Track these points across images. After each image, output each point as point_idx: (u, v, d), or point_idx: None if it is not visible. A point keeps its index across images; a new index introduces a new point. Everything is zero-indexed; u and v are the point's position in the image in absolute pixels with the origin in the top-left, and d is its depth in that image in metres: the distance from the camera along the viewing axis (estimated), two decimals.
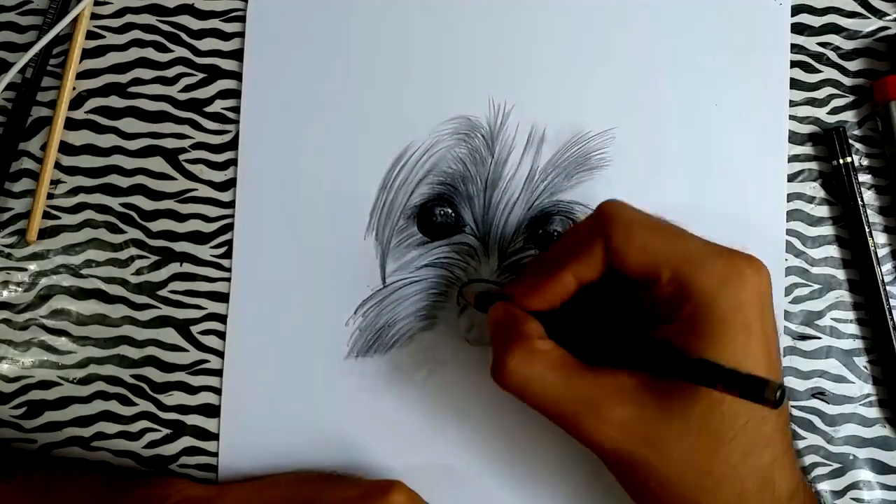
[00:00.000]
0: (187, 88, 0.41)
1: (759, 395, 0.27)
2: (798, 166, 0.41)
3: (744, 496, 0.31)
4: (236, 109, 0.41)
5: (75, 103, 0.41)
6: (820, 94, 0.41)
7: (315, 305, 0.40)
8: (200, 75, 0.41)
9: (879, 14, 0.41)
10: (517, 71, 0.40)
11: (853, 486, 0.39)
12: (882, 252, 0.40)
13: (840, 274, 0.40)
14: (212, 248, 0.40)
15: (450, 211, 0.40)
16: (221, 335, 0.40)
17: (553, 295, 0.33)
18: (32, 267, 0.40)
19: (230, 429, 0.39)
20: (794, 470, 0.32)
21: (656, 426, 0.30)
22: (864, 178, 0.41)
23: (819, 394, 0.40)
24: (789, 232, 0.40)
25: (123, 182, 0.41)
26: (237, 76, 0.41)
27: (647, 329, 0.32)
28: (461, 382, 0.39)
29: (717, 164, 0.40)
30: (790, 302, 0.40)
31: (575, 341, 0.33)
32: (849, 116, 0.41)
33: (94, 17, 0.41)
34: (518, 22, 0.41)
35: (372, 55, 0.41)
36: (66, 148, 0.41)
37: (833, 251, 0.40)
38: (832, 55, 0.41)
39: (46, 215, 0.40)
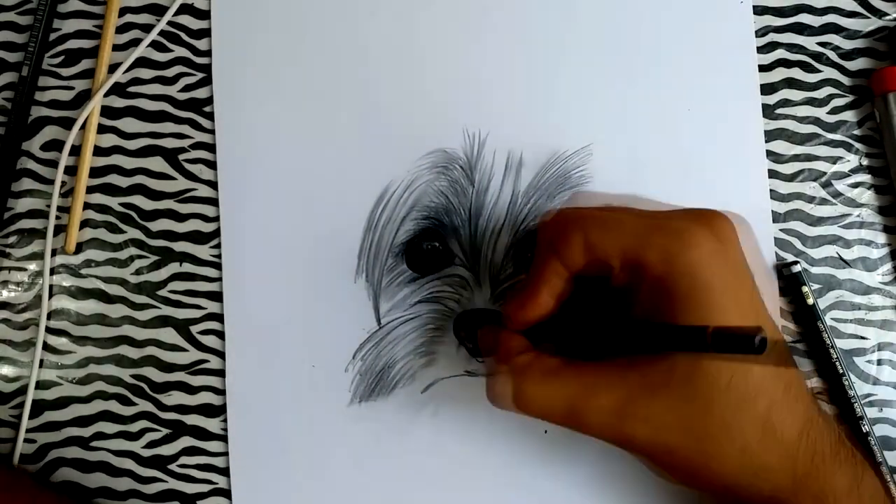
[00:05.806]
0: (187, 88, 0.41)
1: (736, 346, 0.26)
2: (798, 166, 0.41)
3: (746, 450, 0.30)
4: None
5: (75, 103, 0.41)
6: (820, 93, 0.41)
7: (312, 354, 0.39)
8: (200, 75, 0.41)
9: (879, 14, 0.41)
10: (488, 98, 0.40)
11: None
12: (882, 252, 0.40)
13: (840, 274, 0.40)
14: (211, 247, 0.40)
15: (437, 244, 0.39)
16: (221, 335, 0.40)
17: (534, 313, 0.34)
18: (32, 267, 0.40)
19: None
20: (797, 409, 0.31)
21: (645, 403, 0.31)
22: (864, 177, 0.41)
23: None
24: (789, 232, 0.40)
25: (123, 182, 0.41)
26: None
27: (627, 316, 0.33)
28: (469, 416, 0.39)
29: (696, 168, 0.40)
30: (789, 301, 0.40)
31: (566, 343, 0.34)
32: (849, 116, 0.41)
33: (93, 16, 0.41)
34: (483, 49, 0.41)
35: (341, 97, 0.40)
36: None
37: (833, 251, 0.40)
38: (832, 55, 0.41)
39: (46, 215, 0.40)
